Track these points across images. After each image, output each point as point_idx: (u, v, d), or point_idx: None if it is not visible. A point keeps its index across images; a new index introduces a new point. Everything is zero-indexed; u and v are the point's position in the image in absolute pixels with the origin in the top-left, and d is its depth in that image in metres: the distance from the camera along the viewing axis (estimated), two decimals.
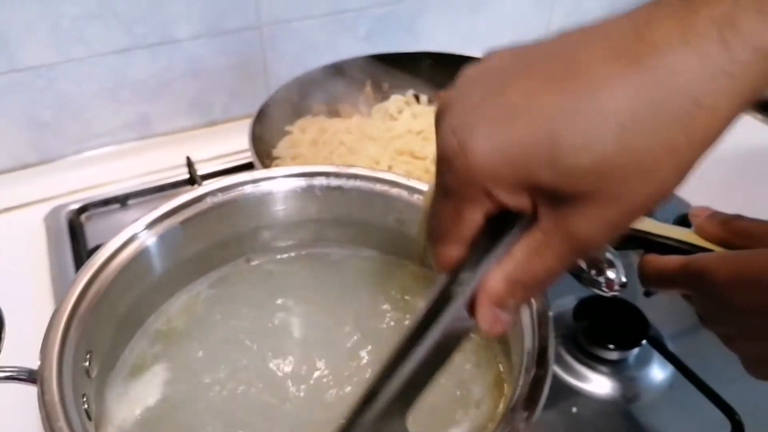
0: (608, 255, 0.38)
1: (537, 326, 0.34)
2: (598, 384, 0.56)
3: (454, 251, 0.28)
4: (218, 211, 0.43)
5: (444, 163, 0.26)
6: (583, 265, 0.39)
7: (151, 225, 0.40)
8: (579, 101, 0.23)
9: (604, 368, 0.56)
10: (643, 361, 0.57)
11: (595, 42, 0.24)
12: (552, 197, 0.25)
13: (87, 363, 0.34)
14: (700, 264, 0.38)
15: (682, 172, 0.25)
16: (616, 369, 0.56)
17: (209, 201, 0.43)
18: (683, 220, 0.68)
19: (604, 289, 0.37)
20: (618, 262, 0.38)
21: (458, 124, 0.25)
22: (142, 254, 0.40)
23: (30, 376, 0.31)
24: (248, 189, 0.44)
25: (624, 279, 0.37)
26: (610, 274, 0.37)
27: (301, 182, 0.45)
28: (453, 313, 0.28)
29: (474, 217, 0.27)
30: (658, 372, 0.57)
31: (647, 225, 0.44)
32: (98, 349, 0.36)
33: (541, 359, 0.32)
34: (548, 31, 1.07)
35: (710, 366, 0.55)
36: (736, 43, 0.23)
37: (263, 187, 0.45)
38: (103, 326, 0.37)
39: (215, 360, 0.41)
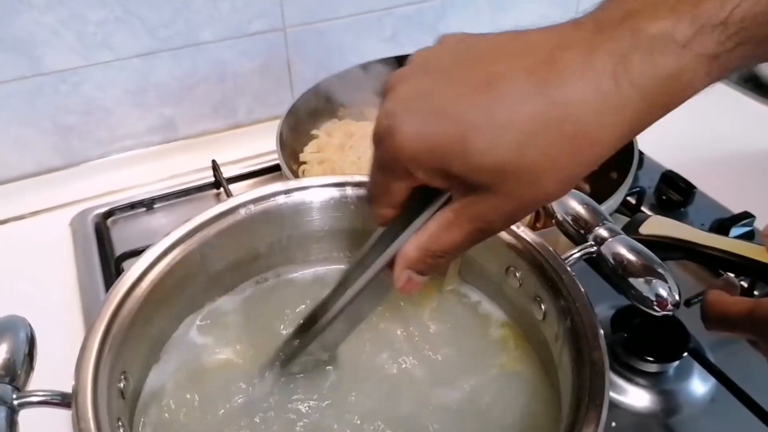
0: (659, 269, 0.36)
1: (589, 349, 0.32)
2: (637, 397, 0.54)
3: (384, 212, 0.34)
4: (251, 222, 0.42)
5: (377, 139, 0.31)
6: (631, 279, 0.37)
7: (183, 238, 0.39)
8: (490, 111, 0.28)
9: (642, 381, 0.55)
10: (684, 373, 0.55)
11: (516, 55, 0.29)
12: (462, 184, 0.29)
13: (121, 384, 0.33)
14: None
15: (563, 185, 0.29)
16: (655, 381, 0.55)
17: (242, 212, 0.42)
18: (719, 228, 0.66)
19: (655, 308, 0.35)
20: (670, 278, 0.36)
21: (393, 109, 0.30)
22: (174, 269, 0.38)
23: (64, 400, 0.30)
24: (281, 200, 0.43)
25: (678, 297, 0.36)
26: (662, 291, 0.36)
27: (334, 192, 0.44)
28: (376, 267, 0.34)
29: (399, 188, 0.32)
30: (700, 384, 0.55)
31: (712, 240, 0.42)
32: (132, 368, 0.35)
33: (595, 385, 0.30)
34: None
35: (754, 378, 0.53)
36: (624, 79, 0.26)
37: (296, 197, 0.43)
38: (137, 345, 0.36)
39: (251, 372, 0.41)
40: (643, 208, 0.72)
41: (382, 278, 0.34)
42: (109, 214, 0.72)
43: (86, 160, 0.79)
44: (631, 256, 0.37)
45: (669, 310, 0.36)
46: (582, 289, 0.36)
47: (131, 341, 0.35)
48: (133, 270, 0.37)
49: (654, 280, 0.36)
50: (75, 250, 0.68)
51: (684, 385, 0.55)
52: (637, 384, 0.54)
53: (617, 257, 0.37)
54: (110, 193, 0.75)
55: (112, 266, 0.64)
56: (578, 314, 0.34)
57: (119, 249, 0.66)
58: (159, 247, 0.38)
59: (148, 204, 0.73)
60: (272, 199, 0.43)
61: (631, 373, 0.55)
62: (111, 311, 0.34)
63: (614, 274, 0.37)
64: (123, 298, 0.35)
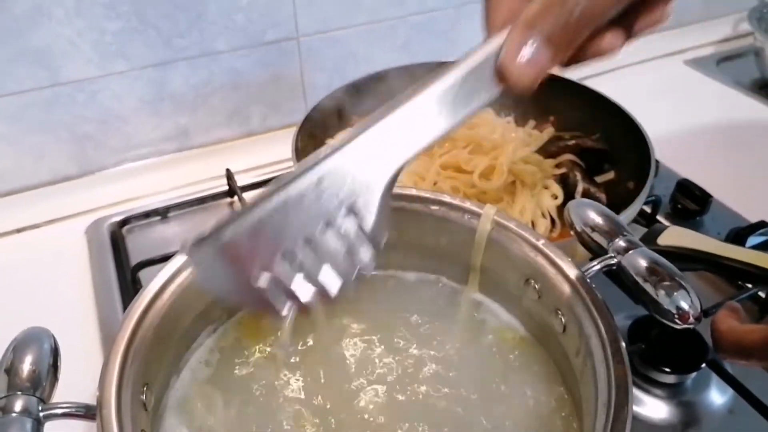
0: (681, 282, 0.36)
1: (612, 363, 0.32)
2: (654, 408, 0.54)
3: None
4: None
5: None
6: (652, 291, 0.37)
7: None
8: None
9: (660, 392, 0.54)
10: (702, 384, 0.55)
11: None
12: None
13: (144, 396, 0.33)
14: None
15: None
16: (672, 392, 0.54)
17: None
18: (736, 237, 0.66)
19: (677, 321, 0.35)
20: (692, 291, 0.36)
21: None
22: (195, 281, 0.39)
23: (88, 412, 0.31)
24: None
25: (700, 311, 0.35)
26: (684, 304, 0.35)
27: None
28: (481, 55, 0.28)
29: None
30: (718, 396, 0.54)
31: (731, 251, 0.42)
32: (154, 380, 0.35)
33: (619, 399, 0.30)
34: None
35: None
36: None
37: None
38: (159, 356, 0.36)
39: (268, 381, 0.41)
40: (658, 217, 0.71)
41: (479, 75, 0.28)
42: (124, 222, 0.72)
43: (102, 169, 0.80)
44: (651, 269, 0.37)
45: (690, 324, 0.35)
46: (603, 302, 0.35)
47: (153, 353, 0.35)
48: (154, 282, 0.37)
49: (675, 293, 0.36)
50: (90, 259, 0.69)
51: (702, 396, 0.54)
52: (654, 395, 0.54)
53: (638, 269, 0.37)
54: (125, 201, 0.76)
55: (128, 275, 0.64)
56: (599, 327, 0.34)
57: (134, 257, 0.67)
58: (179, 259, 0.38)
59: (162, 212, 0.73)
60: None
61: (648, 385, 0.54)
62: (133, 324, 0.34)
63: (635, 286, 0.37)
64: (145, 311, 0.35)
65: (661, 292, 0.36)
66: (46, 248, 0.71)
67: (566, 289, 0.37)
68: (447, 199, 0.43)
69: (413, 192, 0.44)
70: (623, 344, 0.33)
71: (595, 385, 0.32)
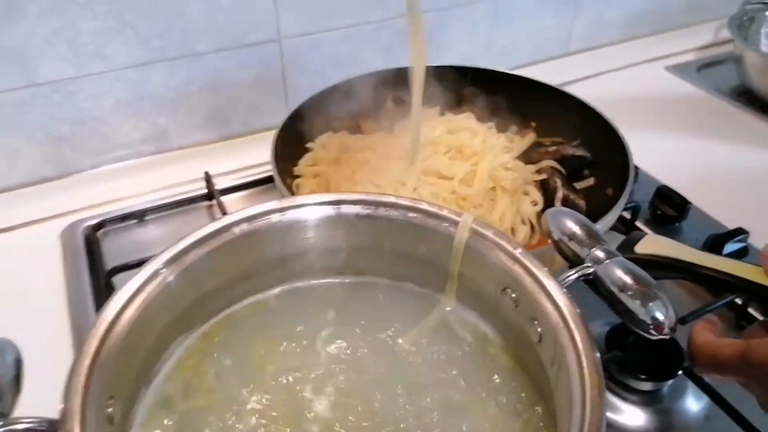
0: (656, 292, 0.36)
1: (587, 374, 0.32)
2: (631, 415, 0.54)
3: None
4: (245, 241, 0.42)
5: None
6: (627, 301, 0.37)
7: (174, 258, 0.39)
8: None
9: (637, 399, 0.54)
10: (678, 392, 0.55)
11: None
12: None
13: (110, 409, 0.33)
14: (762, 354, 0.36)
15: None
16: (649, 400, 0.54)
17: (236, 231, 0.41)
18: (714, 244, 0.66)
19: (651, 331, 0.35)
20: (667, 302, 0.36)
21: None
22: (166, 289, 0.38)
23: (50, 427, 0.30)
24: (275, 218, 0.42)
25: (675, 322, 0.35)
26: (659, 315, 0.35)
27: (330, 210, 0.44)
28: None
29: None
30: (694, 403, 0.55)
31: (709, 260, 0.42)
32: (121, 392, 0.34)
33: (592, 411, 0.30)
34: (569, 43, 1.05)
35: (747, 397, 0.52)
36: None
37: (290, 215, 0.43)
38: (126, 368, 0.35)
39: (246, 386, 0.40)
40: (637, 223, 0.72)
41: None
42: (100, 225, 0.71)
43: (78, 171, 0.78)
44: (627, 279, 0.37)
45: (665, 335, 0.35)
46: (579, 312, 0.35)
47: (121, 364, 0.34)
48: (123, 291, 0.36)
49: (650, 304, 0.36)
50: (64, 263, 0.67)
51: (678, 403, 0.55)
52: (631, 402, 0.54)
53: (613, 279, 0.37)
54: (102, 204, 0.75)
55: (102, 280, 0.63)
56: (575, 338, 0.34)
57: (110, 262, 0.66)
58: (150, 267, 0.38)
59: (139, 216, 0.72)
60: (266, 217, 0.42)
61: (625, 392, 0.54)
62: (101, 334, 0.33)
63: (610, 296, 0.37)
64: (113, 320, 0.34)
65: (636, 303, 0.36)
66: (19, 252, 0.70)
67: (542, 298, 0.37)
68: (425, 206, 0.43)
69: (391, 199, 0.44)
70: (598, 355, 0.33)
71: (569, 395, 0.32)
